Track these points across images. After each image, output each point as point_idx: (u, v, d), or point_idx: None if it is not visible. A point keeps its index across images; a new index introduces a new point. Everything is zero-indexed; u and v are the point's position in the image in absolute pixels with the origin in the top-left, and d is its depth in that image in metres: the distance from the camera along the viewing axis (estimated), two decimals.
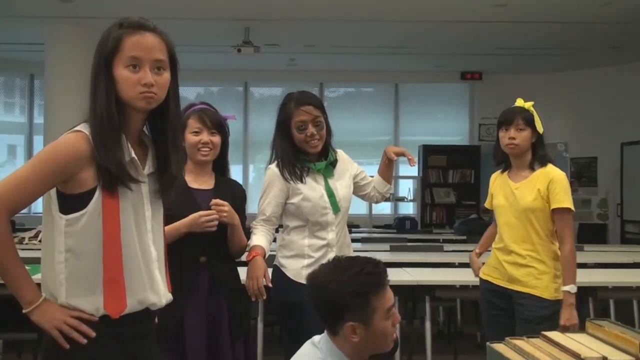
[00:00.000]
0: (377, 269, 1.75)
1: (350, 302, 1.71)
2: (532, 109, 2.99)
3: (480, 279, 3.12)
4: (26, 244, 5.29)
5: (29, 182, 1.63)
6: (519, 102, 3.03)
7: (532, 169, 2.98)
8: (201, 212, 2.49)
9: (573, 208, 2.90)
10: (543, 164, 2.97)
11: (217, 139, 2.64)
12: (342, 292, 1.72)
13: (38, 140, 9.29)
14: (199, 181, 2.65)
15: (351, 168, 2.99)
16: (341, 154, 2.98)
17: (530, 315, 2.85)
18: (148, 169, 1.80)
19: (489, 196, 3.18)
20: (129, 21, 1.71)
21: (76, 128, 1.70)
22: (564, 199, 2.88)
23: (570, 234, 2.90)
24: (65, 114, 6.09)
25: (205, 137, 2.61)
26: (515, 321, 2.93)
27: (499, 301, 3.00)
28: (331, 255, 2.74)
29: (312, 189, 2.80)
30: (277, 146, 2.85)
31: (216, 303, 2.56)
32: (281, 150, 2.82)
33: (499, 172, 3.15)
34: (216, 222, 2.50)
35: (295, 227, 2.82)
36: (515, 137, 2.94)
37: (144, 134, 1.83)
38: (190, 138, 2.61)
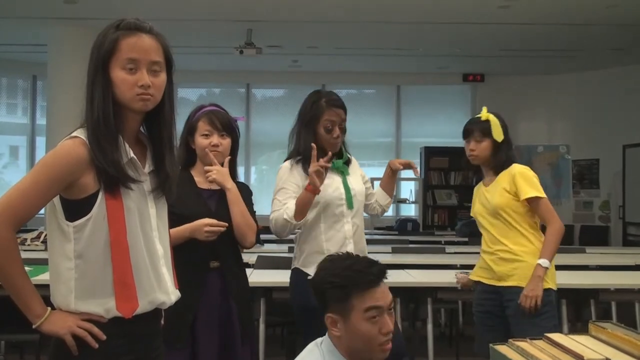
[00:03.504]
0: (368, 269, 1.74)
1: (330, 293, 1.74)
2: (491, 117, 3.09)
3: (473, 281, 3.22)
4: (28, 245, 5.28)
5: (33, 192, 1.63)
6: (483, 112, 3.16)
7: (496, 173, 3.10)
8: (206, 221, 2.48)
9: (540, 194, 2.99)
10: (501, 168, 3.08)
11: (227, 141, 2.65)
12: (324, 282, 1.76)
13: (40, 142, 9.29)
14: (207, 183, 2.65)
15: (360, 171, 3.06)
16: (352, 158, 3.05)
17: (521, 309, 2.89)
18: (148, 167, 1.80)
19: (472, 206, 3.29)
20: (125, 23, 1.71)
21: (73, 134, 1.70)
22: (528, 189, 2.99)
23: (552, 216, 3.00)
24: (68, 115, 6.09)
25: (215, 139, 2.61)
26: (504, 324, 2.98)
27: (490, 303, 3.06)
28: (350, 248, 2.79)
29: (330, 183, 2.83)
30: (302, 140, 2.84)
31: (227, 306, 2.57)
32: (306, 145, 2.81)
33: (480, 182, 3.27)
34: (215, 236, 2.50)
35: (311, 220, 2.81)
36: (474, 149, 3.10)
37: (141, 133, 1.83)
38: (200, 141, 2.62)
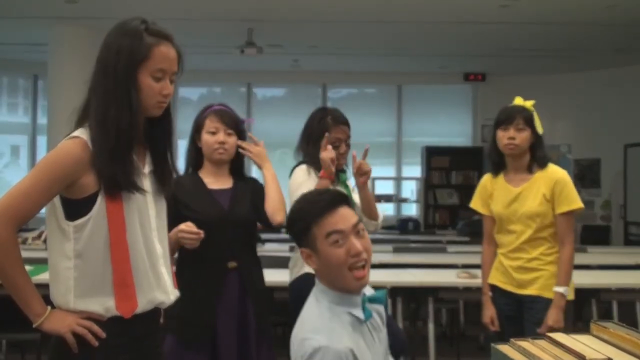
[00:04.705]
0: (320, 197, 1.78)
1: (294, 228, 1.79)
2: (532, 108, 2.90)
3: (489, 284, 3.03)
4: (29, 244, 5.30)
5: (34, 192, 1.64)
6: (518, 101, 2.94)
7: (530, 171, 2.90)
8: (181, 226, 2.38)
9: (582, 204, 2.87)
10: (542, 166, 2.89)
11: (233, 139, 2.65)
12: (288, 219, 1.84)
13: (41, 141, 9.30)
14: (217, 182, 2.66)
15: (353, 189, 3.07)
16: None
17: (542, 319, 2.78)
18: (148, 167, 1.81)
19: (481, 199, 3.07)
20: (154, 29, 1.73)
21: (74, 134, 1.71)
22: (575, 198, 2.83)
23: (572, 236, 2.86)
24: (69, 114, 6.10)
25: (221, 137, 2.62)
26: (519, 328, 2.85)
27: (508, 308, 2.93)
28: None
29: None
30: (311, 155, 2.89)
31: (244, 305, 2.58)
32: (315, 160, 2.85)
33: (489, 175, 3.05)
34: (194, 242, 2.40)
35: None
36: (514, 137, 2.84)
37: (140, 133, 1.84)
38: (206, 138, 2.63)
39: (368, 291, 1.83)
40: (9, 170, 9.87)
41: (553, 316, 2.76)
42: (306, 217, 1.75)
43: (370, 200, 2.97)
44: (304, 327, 1.71)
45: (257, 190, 2.70)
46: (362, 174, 2.87)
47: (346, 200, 1.80)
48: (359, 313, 1.74)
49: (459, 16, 6.96)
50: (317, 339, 1.62)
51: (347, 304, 1.73)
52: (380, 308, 1.87)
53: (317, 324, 1.68)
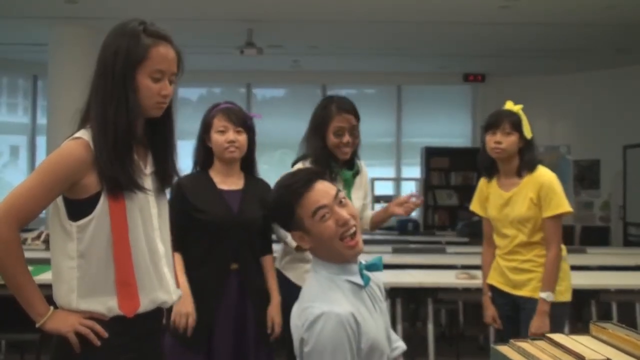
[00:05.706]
0: (294, 179, 1.79)
1: (280, 215, 1.81)
2: (520, 112, 2.91)
3: (488, 284, 3.07)
4: (29, 244, 5.30)
5: (37, 192, 1.65)
6: (508, 105, 2.95)
7: (519, 175, 2.90)
8: (190, 313, 2.44)
9: (570, 208, 2.85)
10: (530, 169, 2.89)
11: (243, 137, 2.63)
12: (272, 209, 1.85)
13: (41, 141, 9.27)
14: (227, 182, 2.65)
15: (365, 187, 2.99)
16: (362, 166, 2.98)
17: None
18: (149, 168, 1.81)
19: (479, 201, 3.10)
20: (152, 30, 1.73)
21: (76, 135, 1.72)
22: (561, 202, 2.82)
23: (558, 240, 2.84)
24: (68, 114, 6.09)
25: (231, 135, 2.59)
26: (517, 328, 2.88)
27: (507, 308, 2.97)
28: None
29: None
30: (312, 146, 2.81)
31: (243, 305, 2.57)
32: (315, 150, 2.79)
33: (485, 179, 3.07)
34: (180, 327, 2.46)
35: None
36: (501, 142, 2.85)
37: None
38: (216, 137, 2.61)
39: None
40: (8, 171, 9.85)
41: (535, 323, 2.77)
42: (287, 202, 1.75)
43: (387, 220, 3.00)
44: (304, 298, 1.73)
45: (266, 192, 2.65)
46: (408, 209, 2.81)
47: (320, 174, 1.82)
48: (358, 279, 1.77)
49: (459, 16, 6.96)
50: (318, 306, 1.64)
51: (345, 273, 1.76)
52: (379, 280, 1.89)
53: (317, 292, 1.71)
